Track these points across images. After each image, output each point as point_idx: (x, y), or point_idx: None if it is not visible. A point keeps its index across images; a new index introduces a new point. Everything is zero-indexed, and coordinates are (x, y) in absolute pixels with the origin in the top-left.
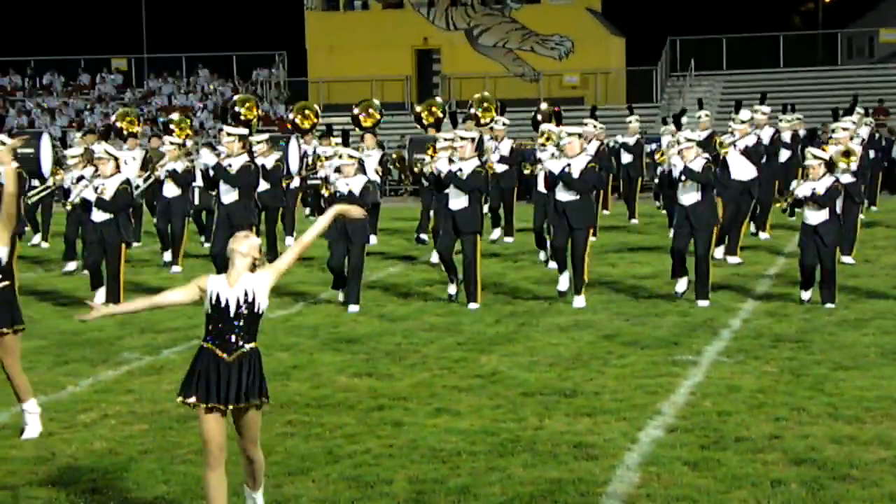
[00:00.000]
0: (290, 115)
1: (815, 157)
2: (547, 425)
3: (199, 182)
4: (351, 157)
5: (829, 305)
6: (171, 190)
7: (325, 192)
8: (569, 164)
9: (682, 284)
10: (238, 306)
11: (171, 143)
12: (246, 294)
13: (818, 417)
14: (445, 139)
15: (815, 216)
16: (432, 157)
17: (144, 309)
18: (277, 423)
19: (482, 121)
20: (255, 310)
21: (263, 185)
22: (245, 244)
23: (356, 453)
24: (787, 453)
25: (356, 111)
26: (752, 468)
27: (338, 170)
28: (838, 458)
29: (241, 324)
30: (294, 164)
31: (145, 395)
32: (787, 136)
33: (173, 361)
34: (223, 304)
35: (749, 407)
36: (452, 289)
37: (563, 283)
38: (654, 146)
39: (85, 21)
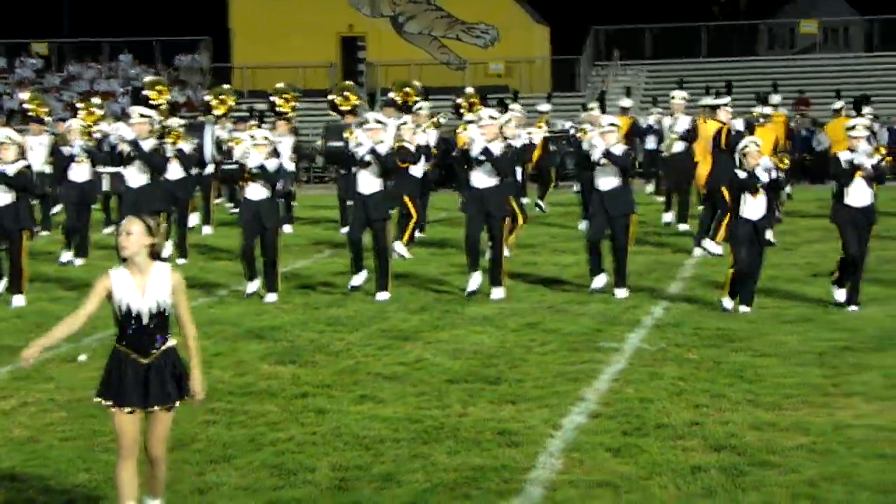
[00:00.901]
0: (205, 99)
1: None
2: (471, 412)
3: (107, 167)
4: (265, 138)
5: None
6: (82, 174)
7: (241, 184)
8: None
9: (598, 281)
10: (151, 315)
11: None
12: (158, 304)
13: (738, 404)
14: (378, 121)
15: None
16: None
17: (66, 335)
18: (200, 410)
19: (401, 103)
20: (166, 313)
21: (177, 173)
22: (131, 241)
23: (279, 441)
24: (708, 440)
25: (273, 96)
26: (672, 454)
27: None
28: (758, 445)
29: (153, 327)
30: (208, 151)
31: (65, 383)
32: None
33: (94, 349)
34: (134, 314)
35: (670, 394)
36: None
37: (474, 282)
38: (569, 124)
39: (4, 4)
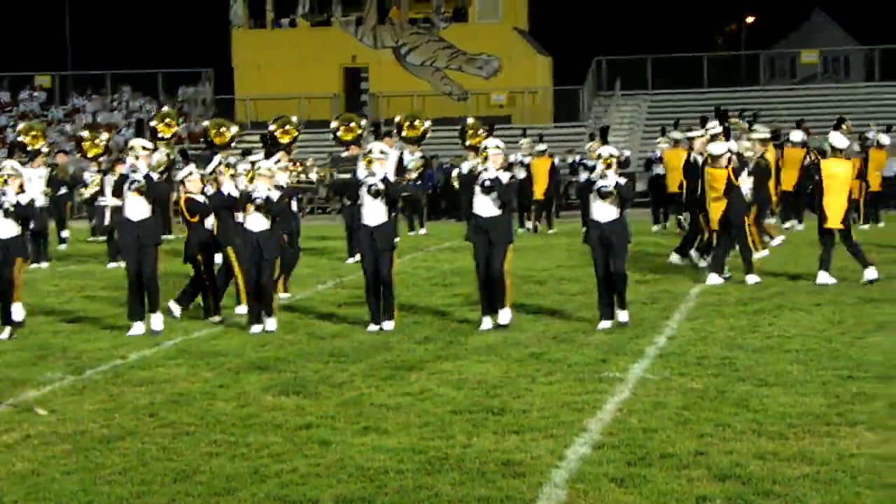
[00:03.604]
0: (205, 130)
1: None
2: (475, 443)
3: (109, 200)
4: (270, 169)
5: None
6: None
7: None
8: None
9: (604, 324)
10: None
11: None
12: None
13: (742, 434)
14: (382, 151)
15: None
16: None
17: None
18: (202, 442)
19: (406, 135)
20: None
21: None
22: None
23: (283, 472)
24: (712, 469)
25: (272, 127)
26: (677, 484)
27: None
28: (762, 474)
29: None
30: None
31: (68, 416)
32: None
33: (96, 382)
34: None
35: (674, 423)
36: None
37: (487, 325)
38: (578, 158)
39: (8, 37)
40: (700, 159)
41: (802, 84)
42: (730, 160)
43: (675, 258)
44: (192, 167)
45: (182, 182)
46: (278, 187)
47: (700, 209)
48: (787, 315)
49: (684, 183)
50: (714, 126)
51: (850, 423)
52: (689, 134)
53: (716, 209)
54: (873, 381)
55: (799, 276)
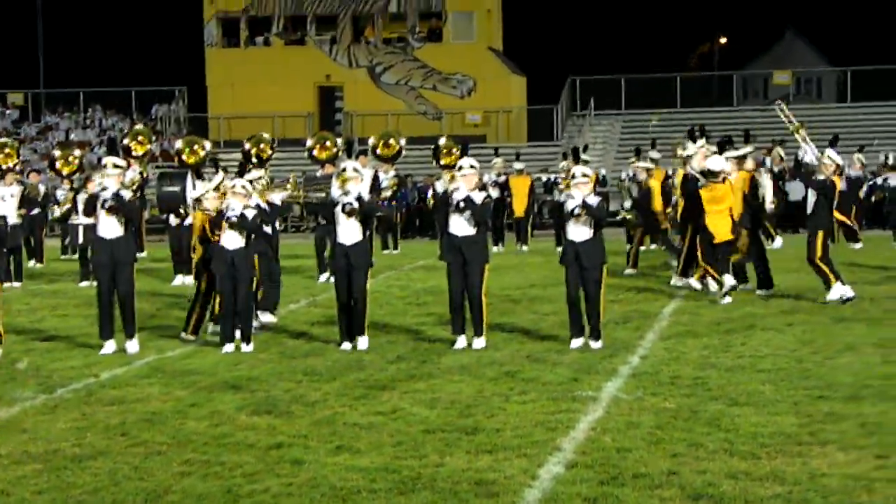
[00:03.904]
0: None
1: None
2: (448, 462)
3: (81, 218)
4: (244, 186)
5: None
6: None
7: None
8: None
9: (576, 343)
10: None
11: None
12: None
13: (715, 453)
14: (356, 170)
15: None
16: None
17: None
18: (175, 462)
19: (380, 154)
20: None
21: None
22: None
23: (255, 492)
24: (685, 489)
25: (247, 146)
26: None
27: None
28: (734, 494)
29: None
30: (190, 200)
31: (39, 435)
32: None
33: (68, 401)
34: None
35: (647, 443)
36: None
37: (460, 345)
38: (553, 177)
39: None
40: (696, 175)
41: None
42: (725, 177)
43: (677, 281)
44: (216, 180)
45: (199, 200)
46: (271, 205)
47: (693, 225)
48: (759, 335)
49: (680, 202)
50: (702, 143)
51: (822, 443)
52: (688, 151)
53: (719, 224)
54: (843, 400)
55: (771, 295)
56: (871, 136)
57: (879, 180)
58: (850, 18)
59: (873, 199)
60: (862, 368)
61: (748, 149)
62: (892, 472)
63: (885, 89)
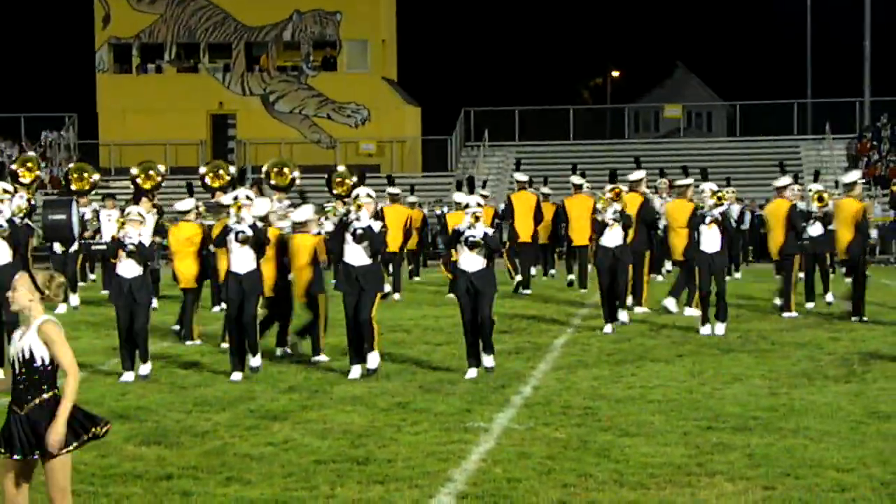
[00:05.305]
0: (64, 175)
1: None
2: (339, 493)
3: None
4: (140, 214)
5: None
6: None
7: (112, 261)
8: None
9: (472, 373)
10: (19, 364)
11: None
12: (23, 351)
13: (604, 484)
14: (248, 197)
15: None
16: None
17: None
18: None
19: (274, 183)
20: (35, 363)
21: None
22: (16, 296)
23: None
24: None
25: (135, 172)
26: None
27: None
28: None
29: (24, 377)
30: (75, 227)
31: None
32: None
33: None
34: (10, 362)
35: (538, 473)
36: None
37: (355, 373)
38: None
39: None
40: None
41: (666, 138)
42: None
43: (686, 311)
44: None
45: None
46: (264, 220)
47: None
48: (650, 366)
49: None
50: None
51: (710, 474)
52: (684, 182)
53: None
54: (732, 431)
55: (664, 326)
56: (760, 169)
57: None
58: (738, 55)
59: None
60: (750, 400)
61: (787, 179)
62: (779, 503)
63: (772, 124)
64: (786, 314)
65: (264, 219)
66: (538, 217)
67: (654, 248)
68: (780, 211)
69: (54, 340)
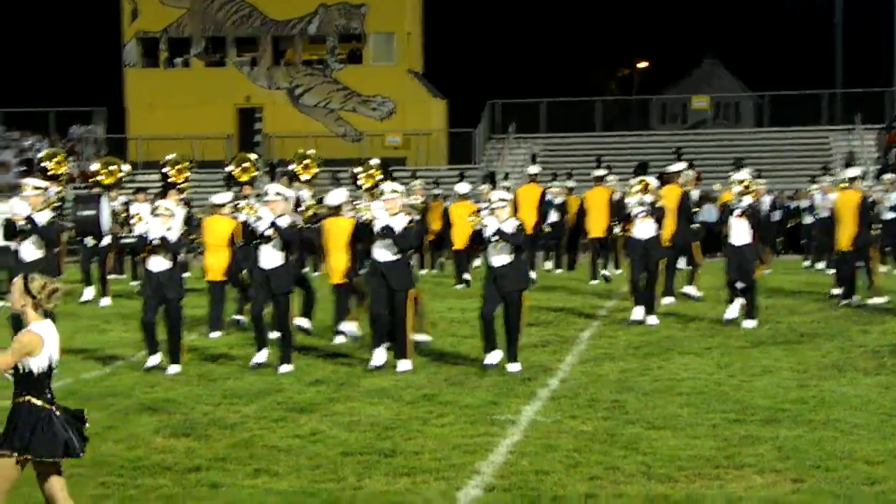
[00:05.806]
0: (93, 170)
1: None
2: (366, 485)
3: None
4: (167, 208)
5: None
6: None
7: (142, 255)
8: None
9: (491, 357)
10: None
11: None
12: None
13: (632, 476)
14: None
15: None
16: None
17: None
18: (90, 485)
19: (301, 177)
20: (17, 368)
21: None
22: (11, 298)
23: None
24: None
25: (166, 168)
26: None
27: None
28: None
29: (13, 379)
30: (105, 223)
31: None
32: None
33: None
34: None
35: (565, 466)
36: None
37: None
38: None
39: None
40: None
41: (693, 129)
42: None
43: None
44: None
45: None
46: (336, 210)
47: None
48: (677, 358)
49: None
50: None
51: (738, 466)
52: (674, 168)
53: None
54: (760, 424)
55: (693, 318)
56: (789, 160)
57: (793, 205)
58: (767, 45)
59: (788, 224)
60: (779, 392)
61: (856, 170)
62: (808, 495)
63: (801, 114)
64: (876, 300)
65: (337, 209)
66: (542, 211)
67: (697, 238)
68: (851, 202)
69: (13, 346)
